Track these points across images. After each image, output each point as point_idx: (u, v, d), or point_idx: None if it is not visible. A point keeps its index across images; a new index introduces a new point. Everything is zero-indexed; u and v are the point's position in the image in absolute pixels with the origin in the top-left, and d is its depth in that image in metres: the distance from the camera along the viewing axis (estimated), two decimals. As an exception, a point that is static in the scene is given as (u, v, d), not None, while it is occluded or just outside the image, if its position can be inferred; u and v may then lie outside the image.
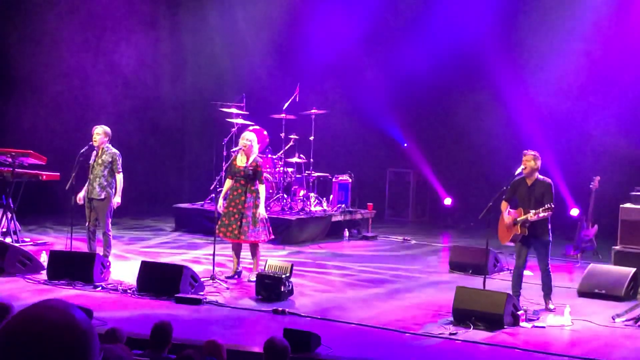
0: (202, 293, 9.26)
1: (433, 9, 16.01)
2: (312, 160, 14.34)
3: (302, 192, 14.25)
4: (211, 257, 10.23)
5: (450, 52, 15.72)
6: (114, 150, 10.46)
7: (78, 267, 9.68)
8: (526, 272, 9.60)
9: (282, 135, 14.17)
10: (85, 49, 16.28)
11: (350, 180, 14.89)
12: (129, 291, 9.29)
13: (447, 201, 16.52)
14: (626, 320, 8.66)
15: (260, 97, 16.03)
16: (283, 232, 13.15)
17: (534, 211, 8.80)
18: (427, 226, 16.18)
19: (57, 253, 10.10)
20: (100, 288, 9.40)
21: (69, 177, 10.38)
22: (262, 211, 10.10)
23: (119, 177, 10.38)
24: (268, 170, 13.70)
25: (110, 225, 10.50)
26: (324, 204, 14.31)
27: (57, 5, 15.91)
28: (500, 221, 9.24)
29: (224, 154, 14.01)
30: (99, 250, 10.40)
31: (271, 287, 9.15)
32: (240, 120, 14.12)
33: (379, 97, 16.70)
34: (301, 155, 14.33)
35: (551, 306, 9.09)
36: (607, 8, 14.60)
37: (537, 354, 7.49)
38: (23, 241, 11.99)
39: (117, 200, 10.38)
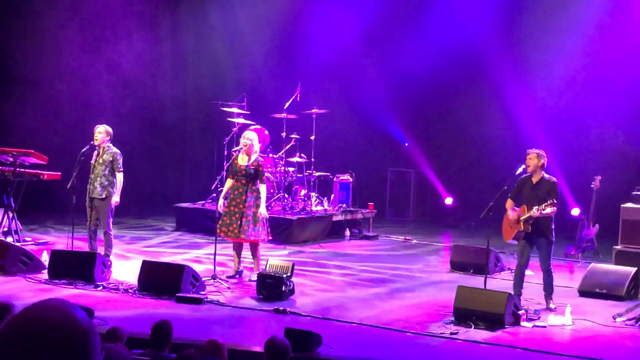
0: (203, 292, 9.26)
1: (433, 9, 16.01)
2: (313, 159, 14.34)
3: (303, 192, 14.25)
4: (212, 256, 10.24)
5: (451, 52, 15.73)
6: (115, 149, 10.46)
7: (79, 267, 9.68)
8: (527, 272, 9.60)
9: (283, 134, 14.18)
10: (86, 49, 16.29)
11: (351, 180, 14.89)
12: (130, 290, 9.29)
13: (448, 200, 16.52)
14: (627, 320, 8.65)
15: (261, 97, 16.04)
16: (284, 231, 13.16)
17: (537, 207, 8.81)
18: (428, 226, 16.18)
19: (58, 252, 10.10)
20: (101, 287, 9.40)
21: (70, 176, 10.38)
22: (263, 211, 10.10)
23: (119, 177, 10.38)
24: (269, 169, 13.70)
25: (111, 224, 10.50)
26: (325, 204, 14.31)
27: (58, 6, 15.92)
28: (505, 219, 9.24)
29: (225, 153, 14.01)
30: (100, 250, 10.40)
31: (272, 287, 9.15)
32: (241, 120, 14.12)
33: (379, 97, 16.71)
34: (302, 155, 14.33)
35: (552, 306, 9.09)
36: (608, 7, 14.59)
37: (538, 354, 7.49)
38: (24, 240, 11.99)
39: (115, 199, 10.36)
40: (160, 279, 9.23)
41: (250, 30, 17.09)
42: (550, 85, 15.27)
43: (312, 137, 14.30)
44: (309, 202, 14.09)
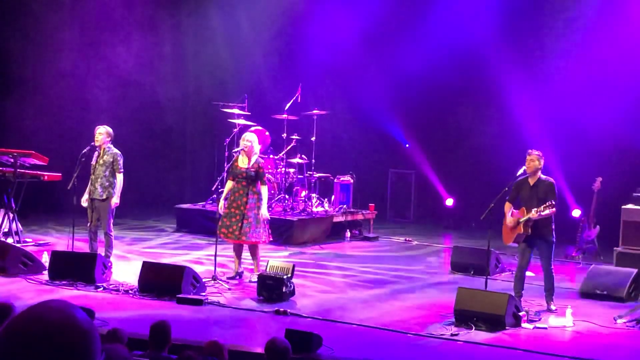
0: (203, 294, 9.26)
1: (433, 10, 16.01)
2: (313, 160, 14.34)
3: (303, 193, 14.25)
4: (213, 257, 10.23)
5: (451, 53, 15.73)
6: (116, 150, 10.46)
7: (79, 268, 9.68)
8: (528, 273, 9.59)
9: (284, 135, 14.18)
10: (86, 51, 16.30)
11: (351, 181, 14.89)
12: (130, 292, 9.29)
13: (449, 202, 16.52)
14: (628, 322, 8.65)
15: (261, 98, 16.04)
16: (285, 232, 13.16)
17: (536, 209, 8.81)
18: (428, 227, 16.17)
19: (59, 253, 10.10)
20: (101, 288, 9.40)
21: (71, 177, 10.37)
22: (264, 212, 10.10)
23: (120, 178, 10.37)
24: (269, 170, 13.70)
25: (111, 225, 10.50)
26: (326, 205, 14.31)
27: (59, 8, 15.92)
28: (504, 222, 9.24)
29: (226, 154, 14.02)
30: (101, 251, 10.40)
31: (273, 288, 9.15)
32: (242, 121, 14.12)
33: (380, 98, 16.71)
34: (303, 156, 14.33)
35: (553, 307, 9.08)
36: (608, 8, 14.59)
37: (539, 355, 7.48)
38: (25, 242, 11.99)
39: (115, 200, 10.35)
40: (160, 280, 9.23)
41: (250, 31, 17.09)
42: (550, 86, 15.25)
43: (313, 138, 14.30)
44: (310, 203, 14.09)
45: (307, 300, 9.38)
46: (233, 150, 11.19)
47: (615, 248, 11.51)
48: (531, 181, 9.07)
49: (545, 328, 8.38)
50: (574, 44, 14.90)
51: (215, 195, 13.52)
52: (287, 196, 14.07)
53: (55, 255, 9.93)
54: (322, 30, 16.52)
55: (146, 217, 15.61)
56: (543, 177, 9.10)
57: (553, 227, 9.05)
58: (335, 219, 14.19)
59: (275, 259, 10.36)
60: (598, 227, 12.51)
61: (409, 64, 16.09)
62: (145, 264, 9.59)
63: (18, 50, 15.61)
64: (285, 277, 9.21)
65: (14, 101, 15.33)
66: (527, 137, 14.43)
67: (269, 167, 13.75)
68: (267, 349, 5.57)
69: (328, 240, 13.89)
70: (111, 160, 10.35)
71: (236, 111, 14.25)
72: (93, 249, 10.46)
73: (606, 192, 12.68)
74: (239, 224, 9.99)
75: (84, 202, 10.38)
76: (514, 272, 9.67)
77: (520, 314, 8.42)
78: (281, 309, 8.62)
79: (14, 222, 11.93)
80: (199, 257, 11.92)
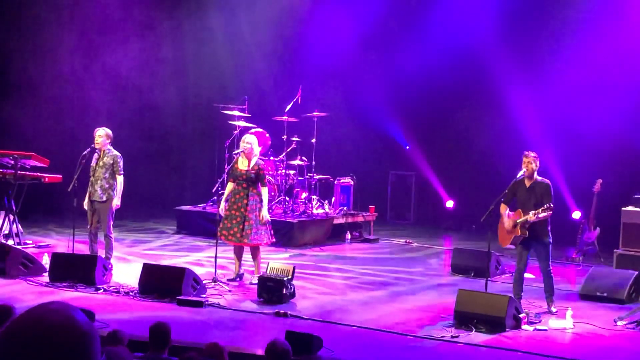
0: (204, 295, 9.26)
1: (434, 12, 16.02)
2: (314, 162, 14.34)
3: (304, 195, 14.26)
4: (213, 259, 10.23)
5: (452, 55, 15.73)
6: (116, 152, 10.46)
7: (80, 270, 9.68)
8: (528, 275, 9.59)
9: (284, 137, 14.18)
10: (86, 53, 16.31)
11: (352, 183, 14.90)
12: (130, 293, 9.29)
13: (449, 204, 16.53)
14: (628, 323, 8.65)
15: (262, 100, 16.05)
16: (285, 234, 13.15)
17: (533, 212, 8.81)
18: (428, 229, 16.17)
19: (59, 255, 10.10)
20: (102, 290, 9.40)
21: (71, 179, 10.38)
22: (265, 214, 10.11)
23: (120, 180, 10.38)
24: (270, 172, 13.71)
25: (111, 227, 10.50)
26: (326, 207, 14.32)
27: (58, 10, 15.94)
28: (500, 224, 9.24)
29: (226, 156, 14.02)
30: (101, 253, 10.40)
31: (273, 290, 9.15)
32: (242, 123, 14.12)
33: (380, 100, 16.71)
34: (303, 158, 14.34)
35: (553, 309, 9.08)
36: (609, 9, 14.59)
37: (539, 357, 7.48)
38: (25, 243, 11.99)
39: (116, 202, 10.35)
40: (161, 282, 9.23)
41: (250, 33, 17.09)
42: (550, 88, 15.25)
43: (313, 140, 14.30)
44: (310, 205, 14.09)
45: (307, 302, 9.38)
46: (233, 152, 11.21)
47: (615, 250, 11.51)
48: (527, 183, 9.07)
49: (546, 330, 8.37)
50: (574, 46, 14.90)
51: (215, 197, 13.51)
52: (287, 198, 14.07)
53: (56, 257, 9.93)
54: (322, 32, 16.53)
55: (146, 219, 15.62)
56: (539, 178, 9.10)
57: (549, 228, 9.05)
58: (336, 221, 14.19)
59: (276, 261, 10.36)
60: (598, 229, 12.50)
61: (410, 66, 16.09)
62: (145, 265, 9.60)
63: (18, 53, 15.62)
64: (285, 279, 9.21)
65: (14, 103, 15.34)
66: (527, 139, 14.43)
67: (269, 168, 13.76)
68: (267, 351, 5.57)
69: (328, 242, 13.89)
70: (111, 162, 10.35)
71: (236, 113, 14.25)
72: (93, 250, 10.46)
73: (606, 194, 12.67)
74: (240, 226, 10.00)
75: (85, 206, 10.39)
76: (513, 274, 9.66)
77: (521, 315, 8.42)
78: (281, 311, 8.62)
79: (15, 223, 11.93)
80: (199, 258, 11.92)
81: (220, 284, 9.87)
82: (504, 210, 9.16)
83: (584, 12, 14.79)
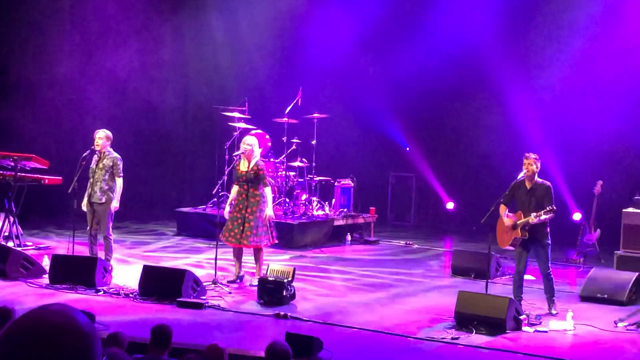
0: (204, 297, 9.25)
1: (434, 13, 16.01)
2: (314, 164, 14.34)
3: (304, 196, 14.25)
4: (213, 261, 10.23)
5: (452, 56, 15.73)
6: (115, 154, 10.45)
7: (80, 271, 9.67)
8: (528, 277, 9.59)
9: (284, 139, 14.18)
10: (86, 55, 16.31)
11: (352, 185, 14.89)
12: (131, 295, 9.28)
13: (449, 205, 16.52)
14: (628, 325, 8.64)
15: (262, 101, 16.05)
16: (285, 236, 13.14)
17: (535, 214, 8.80)
18: (429, 230, 16.17)
19: (59, 257, 10.10)
20: (102, 292, 9.40)
21: (71, 181, 10.37)
22: (269, 212, 10.13)
23: (119, 182, 10.36)
24: (270, 174, 13.70)
25: (111, 229, 10.49)
26: (326, 208, 14.31)
27: (58, 13, 15.94)
28: (499, 225, 9.23)
29: (226, 158, 14.02)
30: (101, 255, 10.39)
31: (273, 292, 9.15)
32: (242, 124, 14.12)
33: (381, 101, 16.71)
34: (303, 159, 14.33)
35: (553, 311, 9.07)
36: (609, 10, 14.60)
37: (540, 359, 7.48)
38: (25, 245, 11.98)
39: (115, 204, 10.33)
40: (161, 284, 9.22)
41: (250, 34, 17.09)
42: (551, 89, 15.26)
43: (313, 142, 14.30)
44: (310, 207, 14.09)
45: (307, 303, 9.38)
46: (233, 154, 11.21)
47: (615, 251, 11.50)
48: (528, 184, 9.05)
49: (546, 331, 8.37)
50: (574, 47, 14.90)
51: (215, 199, 13.52)
52: (287, 200, 14.07)
53: (56, 259, 9.93)
54: (322, 33, 16.53)
55: (146, 221, 15.61)
56: (540, 180, 9.09)
57: (548, 230, 9.05)
58: (336, 223, 14.19)
59: (276, 263, 10.36)
60: (599, 230, 12.50)
61: (410, 67, 16.08)
62: (145, 267, 9.59)
63: (18, 55, 15.62)
64: (285, 280, 9.21)
65: (14, 105, 15.34)
66: (527, 140, 14.43)
67: (270, 170, 13.75)
68: (267, 352, 5.56)
69: (328, 243, 13.88)
70: (111, 164, 10.35)
71: (236, 115, 14.24)
72: (93, 252, 10.45)
73: (607, 195, 12.68)
74: (241, 228, 10.00)
75: (84, 207, 10.38)
76: (513, 276, 9.65)
77: (521, 317, 8.42)
78: (281, 313, 8.62)
79: (15, 225, 11.92)
80: (199, 260, 11.91)
81: (221, 285, 9.87)
82: (503, 210, 9.15)
83: (584, 12, 14.79)
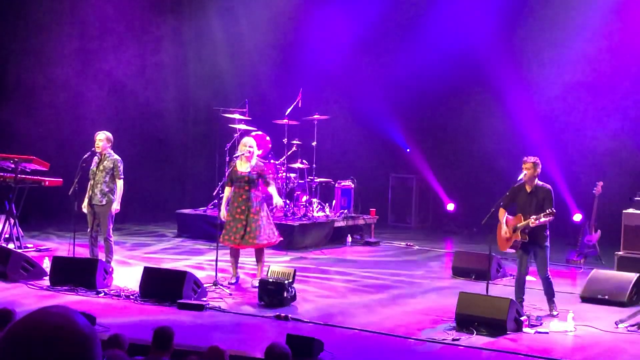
0: (204, 299, 9.25)
1: (433, 14, 16.02)
2: (314, 165, 14.33)
3: (304, 198, 14.25)
4: (214, 262, 10.23)
5: (452, 57, 15.73)
6: (116, 156, 10.45)
7: (81, 273, 9.67)
8: (529, 278, 9.58)
9: (285, 140, 14.18)
10: (86, 57, 16.32)
11: (352, 186, 14.88)
12: (131, 297, 9.28)
13: (450, 207, 16.51)
14: (629, 326, 8.64)
15: (262, 103, 16.05)
16: (286, 237, 13.12)
17: (534, 217, 8.79)
18: (429, 232, 16.17)
19: (60, 259, 10.10)
20: (102, 294, 9.40)
21: (72, 183, 10.37)
22: (279, 201, 10.50)
23: (120, 184, 10.36)
24: (270, 175, 13.69)
25: (111, 231, 10.49)
26: (327, 210, 14.31)
27: (57, 15, 15.95)
28: (499, 228, 9.22)
29: (227, 159, 14.01)
30: (101, 256, 10.39)
31: (274, 293, 9.14)
32: (242, 126, 14.12)
33: (381, 102, 16.71)
34: (304, 161, 14.33)
35: (554, 312, 9.06)
36: (610, 11, 14.60)
37: (540, 360, 7.48)
38: (26, 247, 11.98)
39: (115, 207, 10.34)
40: (161, 286, 9.22)
41: (251, 36, 17.10)
42: (551, 91, 15.26)
43: (314, 143, 14.30)
44: (311, 208, 14.08)
45: (308, 305, 9.37)
46: (234, 156, 11.20)
47: (616, 252, 11.49)
48: (528, 188, 9.04)
49: (547, 333, 8.36)
50: (574, 48, 14.90)
51: (216, 201, 13.51)
52: (288, 201, 14.07)
53: (56, 261, 9.93)
54: (322, 34, 16.54)
55: (147, 223, 15.61)
56: (540, 183, 9.07)
57: (547, 233, 9.04)
58: (337, 224, 14.19)
59: (277, 264, 10.36)
60: (599, 231, 12.49)
61: (410, 68, 16.10)
62: (146, 269, 9.59)
63: (18, 57, 15.63)
64: (286, 282, 9.20)
65: (14, 107, 15.34)
66: (528, 141, 14.44)
67: (270, 171, 13.74)
68: (266, 354, 5.56)
69: (329, 245, 13.88)
70: (111, 166, 10.34)
71: (237, 116, 14.24)
72: (94, 254, 10.45)
73: (607, 196, 12.67)
74: (247, 229, 9.99)
75: (84, 208, 10.38)
76: (514, 277, 9.65)
77: (522, 318, 8.41)
78: (282, 314, 8.61)
79: (15, 227, 11.92)
80: (200, 262, 11.91)
81: (221, 287, 9.86)
82: (502, 213, 9.14)
83: (585, 12, 14.78)
